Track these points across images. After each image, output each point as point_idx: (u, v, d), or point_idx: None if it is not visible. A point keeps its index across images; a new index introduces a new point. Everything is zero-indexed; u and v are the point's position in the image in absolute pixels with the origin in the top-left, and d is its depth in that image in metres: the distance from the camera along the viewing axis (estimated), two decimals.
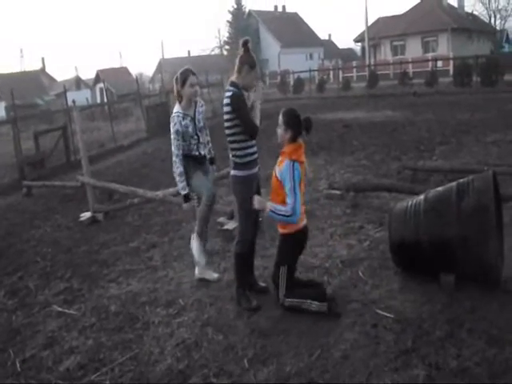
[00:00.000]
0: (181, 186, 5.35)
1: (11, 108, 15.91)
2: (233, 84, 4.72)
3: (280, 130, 4.52)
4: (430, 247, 4.81)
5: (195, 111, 5.42)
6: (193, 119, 5.38)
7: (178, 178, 5.34)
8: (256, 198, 4.54)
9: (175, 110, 5.33)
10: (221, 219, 7.23)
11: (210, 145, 5.76)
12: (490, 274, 4.66)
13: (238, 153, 4.73)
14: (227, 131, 4.72)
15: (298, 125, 4.45)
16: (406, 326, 4.27)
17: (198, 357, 4.15)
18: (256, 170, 4.86)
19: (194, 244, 5.53)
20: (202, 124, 5.50)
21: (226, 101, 4.66)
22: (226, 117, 4.69)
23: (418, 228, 4.92)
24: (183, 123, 5.30)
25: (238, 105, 4.62)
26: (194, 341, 4.40)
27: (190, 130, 5.35)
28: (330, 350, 4.05)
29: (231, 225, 6.78)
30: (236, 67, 4.72)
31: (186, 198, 5.38)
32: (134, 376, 4.00)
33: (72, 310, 5.29)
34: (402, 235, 5.08)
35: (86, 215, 8.61)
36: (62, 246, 7.48)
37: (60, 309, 5.35)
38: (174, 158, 5.31)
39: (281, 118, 4.50)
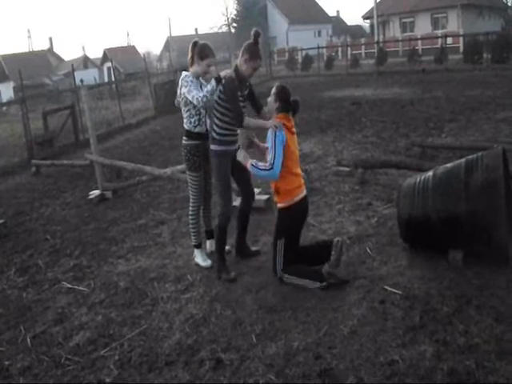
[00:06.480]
0: (211, 86, 4.84)
1: (19, 88, 15.90)
2: (235, 69, 4.89)
3: (270, 99, 4.77)
4: (439, 223, 4.80)
5: (201, 84, 5.26)
6: (200, 87, 5.15)
7: (208, 89, 4.86)
8: (240, 152, 4.83)
9: (184, 73, 5.13)
10: None
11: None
12: (499, 250, 4.65)
13: (218, 130, 4.93)
14: (216, 106, 4.89)
15: (286, 99, 4.70)
16: (414, 302, 4.29)
17: (206, 332, 4.19)
18: (233, 147, 5.04)
19: (196, 254, 5.58)
20: None
21: (223, 81, 4.82)
22: (219, 94, 4.86)
23: (427, 204, 4.91)
24: (195, 82, 5.06)
25: (231, 92, 4.78)
26: (202, 316, 4.44)
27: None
28: (338, 325, 4.07)
29: (238, 201, 6.76)
30: (240, 51, 4.86)
31: (218, 80, 4.84)
32: (143, 351, 4.04)
33: (81, 287, 5.34)
34: (410, 212, 5.07)
35: (94, 193, 8.64)
36: (70, 224, 7.52)
37: (69, 285, 5.40)
38: (202, 94, 4.85)
39: (274, 89, 4.76)
